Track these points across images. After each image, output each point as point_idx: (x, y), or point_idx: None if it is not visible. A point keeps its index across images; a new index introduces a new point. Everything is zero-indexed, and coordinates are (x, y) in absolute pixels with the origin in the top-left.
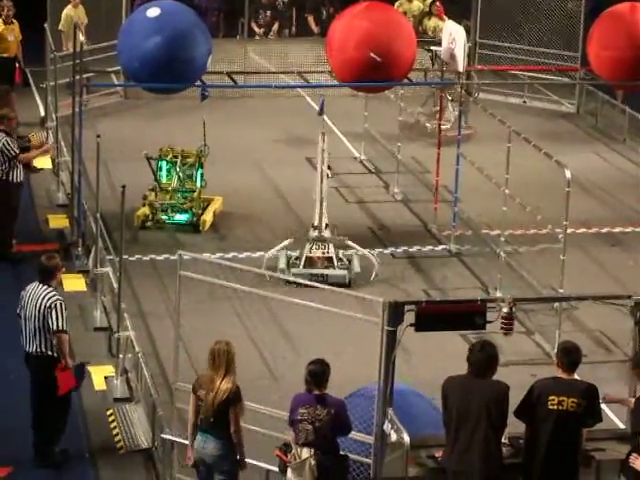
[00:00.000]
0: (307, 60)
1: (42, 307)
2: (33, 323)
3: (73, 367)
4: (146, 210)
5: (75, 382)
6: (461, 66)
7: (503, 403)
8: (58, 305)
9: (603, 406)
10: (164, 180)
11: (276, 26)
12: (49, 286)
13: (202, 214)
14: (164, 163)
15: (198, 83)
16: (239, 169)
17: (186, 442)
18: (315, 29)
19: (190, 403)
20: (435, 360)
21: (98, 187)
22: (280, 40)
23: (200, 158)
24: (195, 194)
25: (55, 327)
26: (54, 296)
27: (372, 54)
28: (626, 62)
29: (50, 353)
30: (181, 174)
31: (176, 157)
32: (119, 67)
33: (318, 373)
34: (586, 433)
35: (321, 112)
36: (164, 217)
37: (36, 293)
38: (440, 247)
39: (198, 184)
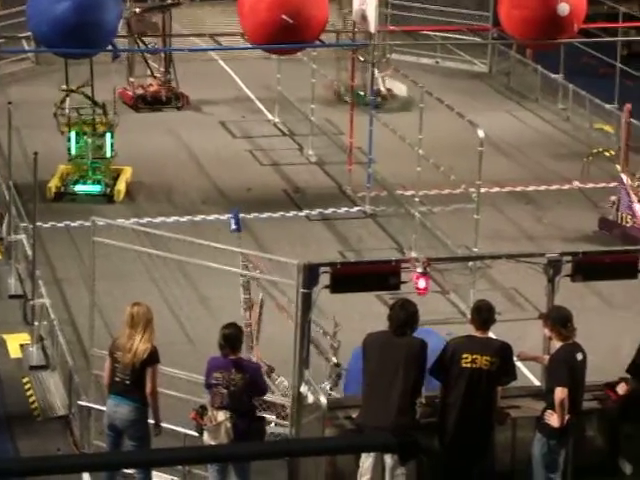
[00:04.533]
0: (220, 23)
1: None
2: None
3: None
4: (57, 181)
5: None
6: (373, 27)
7: (420, 360)
8: None
9: (518, 364)
10: (74, 151)
11: None
12: None
13: (114, 184)
14: (73, 134)
15: (109, 47)
16: (152, 133)
17: (103, 408)
18: None
19: (106, 366)
20: (351, 321)
21: (10, 155)
22: (193, 4)
23: (110, 127)
24: (105, 164)
25: None
26: None
27: (284, 16)
28: (537, 21)
29: None
30: (91, 144)
31: (87, 127)
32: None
33: (232, 337)
34: (501, 391)
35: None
36: (75, 188)
37: None
38: (355, 209)
39: (108, 154)
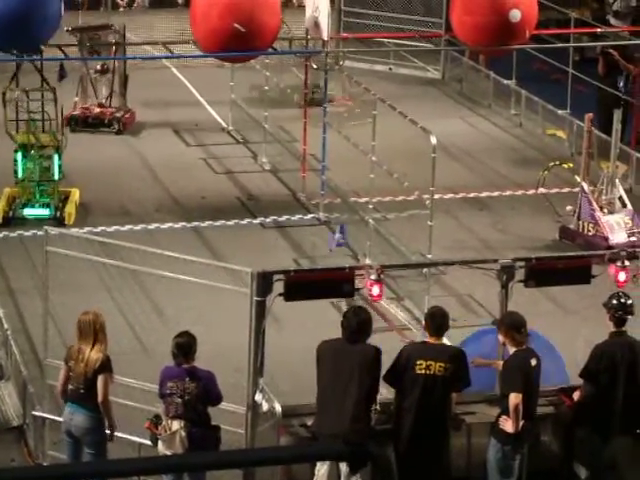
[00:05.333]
0: (172, 31)
1: None
2: None
3: None
4: (4, 205)
5: None
6: (326, 34)
7: (374, 367)
8: None
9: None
10: (20, 174)
11: None
12: None
13: (63, 207)
14: (19, 155)
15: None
16: (105, 141)
17: (58, 419)
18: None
19: (61, 374)
20: (307, 329)
21: None
22: (144, 11)
23: (58, 148)
24: (53, 186)
25: None
26: None
27: (236, 25)
28: (489, 27)
29: None
30: (38, 166)
31: (32, 148)
32: None
33: (184, 345)
34: (456, 397)
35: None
36: (24, 212)
37: None
38: (309, 216)
39: (56, 176)
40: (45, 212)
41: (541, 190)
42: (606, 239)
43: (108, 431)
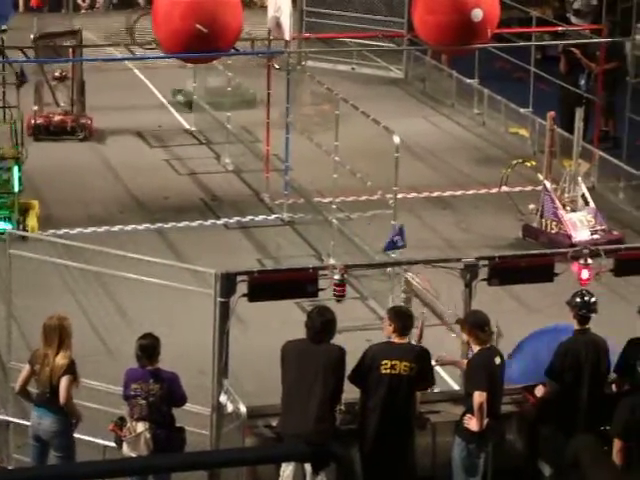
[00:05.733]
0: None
1: None
2: None
3: None
4: None
5: None
6: (288, 34)
7: (338, 367)
8: None
9: (437, 368)
10: None
11: None
12: None
13: (25, 219)
14: None
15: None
16: (68, 148)
17: (23, 422)
18: (141, 1)
19: (22, 373)
20: (271, 330)
21: None
22: (106, 13)
23: (18, 159)
24: (12, 199)
25: None
26: None
27: (198, 26)
28: (451, 26)
29: None
30: None
31: None
32: None
33: (148, 347)
34: (420, 396)
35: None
36: None
37: None
38: (273, 216)
39: (16, 188)
40: (6, 226)
41: (504, 189)
42: (569, 237)
43: (74, 421)
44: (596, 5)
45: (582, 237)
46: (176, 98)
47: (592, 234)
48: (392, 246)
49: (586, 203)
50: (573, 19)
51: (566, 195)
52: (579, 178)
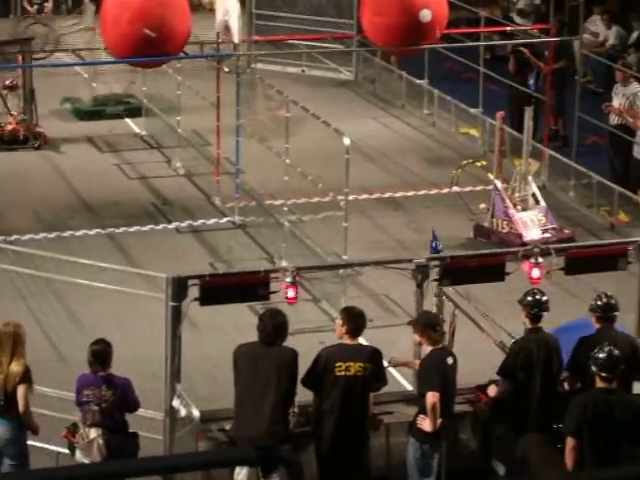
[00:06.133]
0: (83, 36)
1: None
2: None
3: None
4: None
5: None
6: (237, 37)
7: (291, 369)
8: None
9: (391, 369)
10: None
11: (50, 3)
12: None
13: None
14: None
15: None
16: (20, 156)
17: None
18: (30, 8)
19: None
20: (223, 333)
21: None
22: (54, 18)
23: None
24: None
25: None
26: None
27: (146, 30)
28: (399, 28)
29: None
30: None
31: None
32: None
33: (101, 353)
34: (373, 397)
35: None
36: None
37: None
38: (224, 219)
39: None
40: None
41: (455, 189)
42: (520, 236)
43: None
44: (539, 4)
45: (533, 236)
46: (64, 106)
47: (543, 233)
48: (435, 252)
49: (537, 202)
50: (517, 19)
51: (517, 194)
52: (529, 177)
